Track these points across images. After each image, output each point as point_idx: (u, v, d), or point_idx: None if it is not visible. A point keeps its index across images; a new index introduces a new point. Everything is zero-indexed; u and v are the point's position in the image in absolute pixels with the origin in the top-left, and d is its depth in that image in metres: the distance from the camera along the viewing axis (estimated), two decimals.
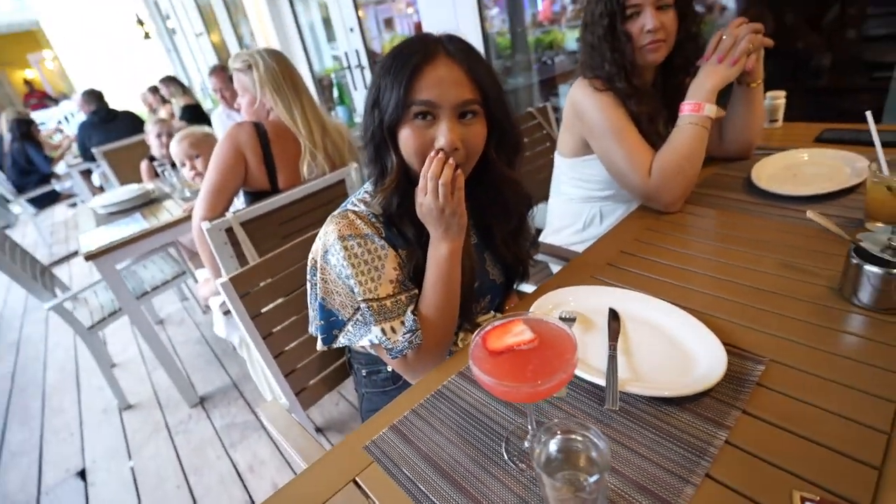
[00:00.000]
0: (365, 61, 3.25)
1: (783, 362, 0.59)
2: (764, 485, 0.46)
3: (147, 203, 2.12)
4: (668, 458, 0.50)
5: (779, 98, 1.35)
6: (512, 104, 0.77)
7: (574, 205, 1.29)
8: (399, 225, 0.75)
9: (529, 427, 0.53)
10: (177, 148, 1.91)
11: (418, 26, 2.87)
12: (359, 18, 3.12)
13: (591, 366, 0.63)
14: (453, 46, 0.69)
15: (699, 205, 1.02)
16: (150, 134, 2.50)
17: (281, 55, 1.49)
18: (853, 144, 1.12)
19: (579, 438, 0.40)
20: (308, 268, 0.78)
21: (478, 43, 2.40)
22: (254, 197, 1.51)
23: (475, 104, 0.69)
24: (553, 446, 0.41)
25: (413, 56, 0.66)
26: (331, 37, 3.51)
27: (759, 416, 0.53)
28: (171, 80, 3.99)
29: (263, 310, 0.98)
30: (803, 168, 1.05)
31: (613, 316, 0.70)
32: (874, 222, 0.81)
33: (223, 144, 1.42)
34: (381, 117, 0.69)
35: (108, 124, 3.84)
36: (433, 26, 2.34)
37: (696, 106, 0.97)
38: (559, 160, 1.29)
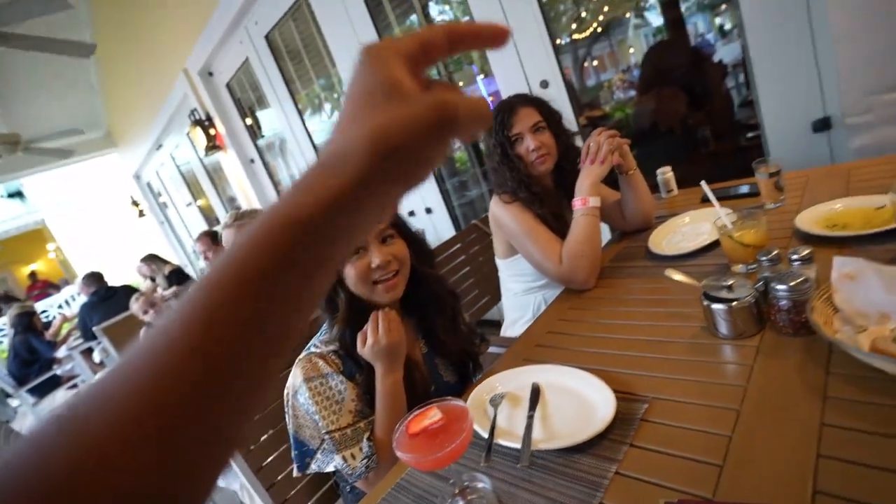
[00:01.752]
0: None
1: (663, 397, 0.72)
2: (641, 501, 0.57)
3: None
4: (572, 497, 0.61)
5: (667, 173, 1.61)
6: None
7: (520, 298, 1.46)
8: (353, 352, 0.92)
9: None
10: None
11: None
12: None
13: (515, 434, 0.75)
14: None
15: (611, 277, 1.20)
16: (138, 313, 2.72)
17: None
18: (728, 199, 1.35)
19: (474, 494, 0.53)
20: (284, 403, 0.92)
21: None
22: None
23: (390, 229, 0.93)
24: None
25: None
26: None
27: (642, 445, 0.65)
28: (151, 259, 4.35)
29: (252, 446, 1.08)
30: (686, 228, 1.25)
31: (535, 389, 0.83)
32: (735, 264, 0.99)
33: None
34: None
35: (107, 302, 4.10)
36: None
37: (583, 200, 1.20)
38: (498, 262, 1.49)
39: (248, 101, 3.98)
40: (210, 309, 0.21)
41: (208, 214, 6.14)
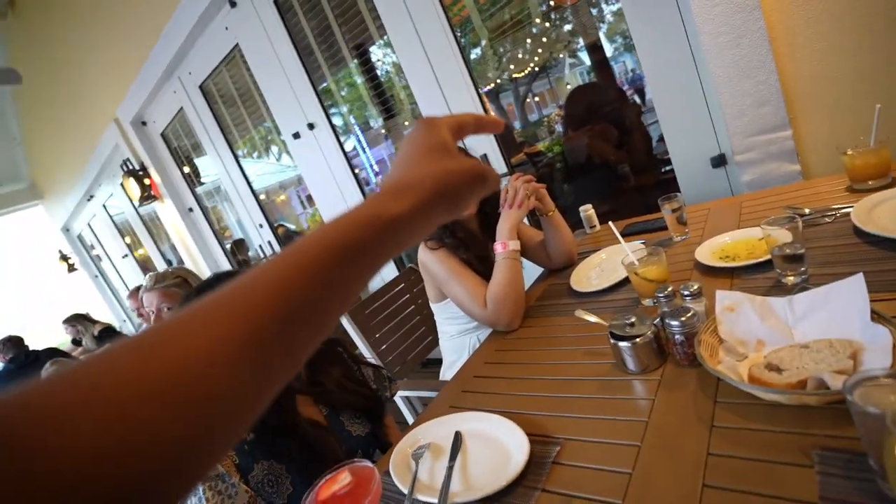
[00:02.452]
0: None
1: (574, 438, 0.74)
2: None
3: None
4: None
5: (588, 210, 1.70)
6: None
7: (455, 340, 1.48)
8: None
9: None
10: None
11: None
12: (265, 213, 3.50)
13: (435, 488, 0.74)
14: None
15: (536, 317, 1.24)
16: None
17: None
18: (644, 233, 1.45)
19: None
20: None
21: None
22: None
23: None
24: None
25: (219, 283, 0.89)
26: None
27: (553, 490, 0.66)
28: (76, 319, 4.08)
29: None
30: (604, 264, 1.32)
31: (457, 437, 0.83)
32: (644, 298, 1.05)
33: None
34: None
35: (27, 369, 3.75)
36: (326, 206, 2.67)
37: (503, 244, 1.25)
38: (432, 306, 1.50)
39: (185, 150, 3.89)
40: (303, 263, 0.26)
41: (147, 265, 5.83)
